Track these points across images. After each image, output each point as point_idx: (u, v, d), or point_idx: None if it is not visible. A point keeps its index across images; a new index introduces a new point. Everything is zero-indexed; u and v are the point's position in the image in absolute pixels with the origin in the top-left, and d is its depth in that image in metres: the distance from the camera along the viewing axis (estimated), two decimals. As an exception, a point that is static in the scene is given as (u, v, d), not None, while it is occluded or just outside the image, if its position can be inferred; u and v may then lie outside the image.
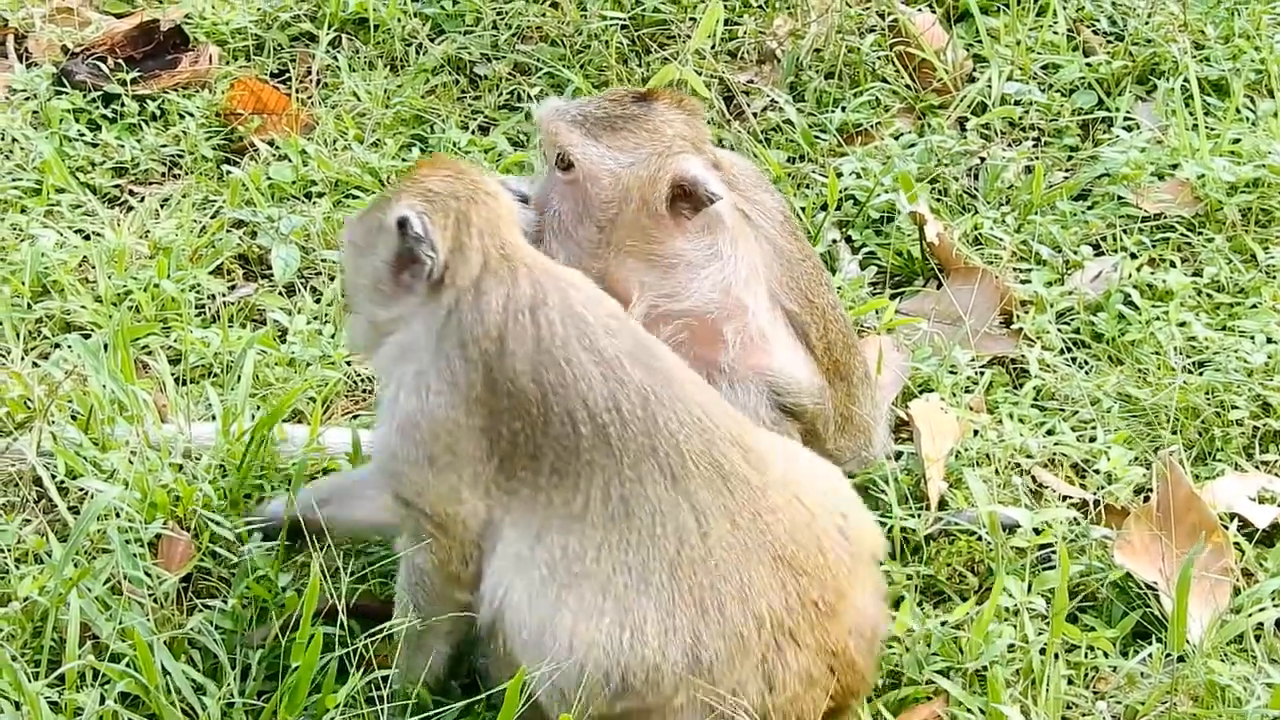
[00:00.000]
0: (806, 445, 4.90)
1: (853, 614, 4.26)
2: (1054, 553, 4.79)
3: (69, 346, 5.49)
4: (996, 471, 5.15)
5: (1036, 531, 4.87)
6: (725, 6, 7.08)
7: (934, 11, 7.15)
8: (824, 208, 6.28)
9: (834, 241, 6.22)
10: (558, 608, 4.05)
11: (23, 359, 5.54)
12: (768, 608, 4.11)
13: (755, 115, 6.74)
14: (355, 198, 6.33)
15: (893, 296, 6.02)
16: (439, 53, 7.04)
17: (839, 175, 6.35)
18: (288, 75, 7.08)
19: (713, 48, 6.98)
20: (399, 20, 7.11)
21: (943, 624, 4.66)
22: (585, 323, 4.18)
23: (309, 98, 6.92)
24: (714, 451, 4.16)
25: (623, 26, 7.05)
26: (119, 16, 7.32)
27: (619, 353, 4.17)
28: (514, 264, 4.24)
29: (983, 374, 5.59)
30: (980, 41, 7.01)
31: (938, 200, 6.36)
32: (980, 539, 4.94)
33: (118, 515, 4.72)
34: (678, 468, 4.10)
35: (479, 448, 4.14)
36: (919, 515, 5.00)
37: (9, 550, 4.73)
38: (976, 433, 5.29)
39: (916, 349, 5.68)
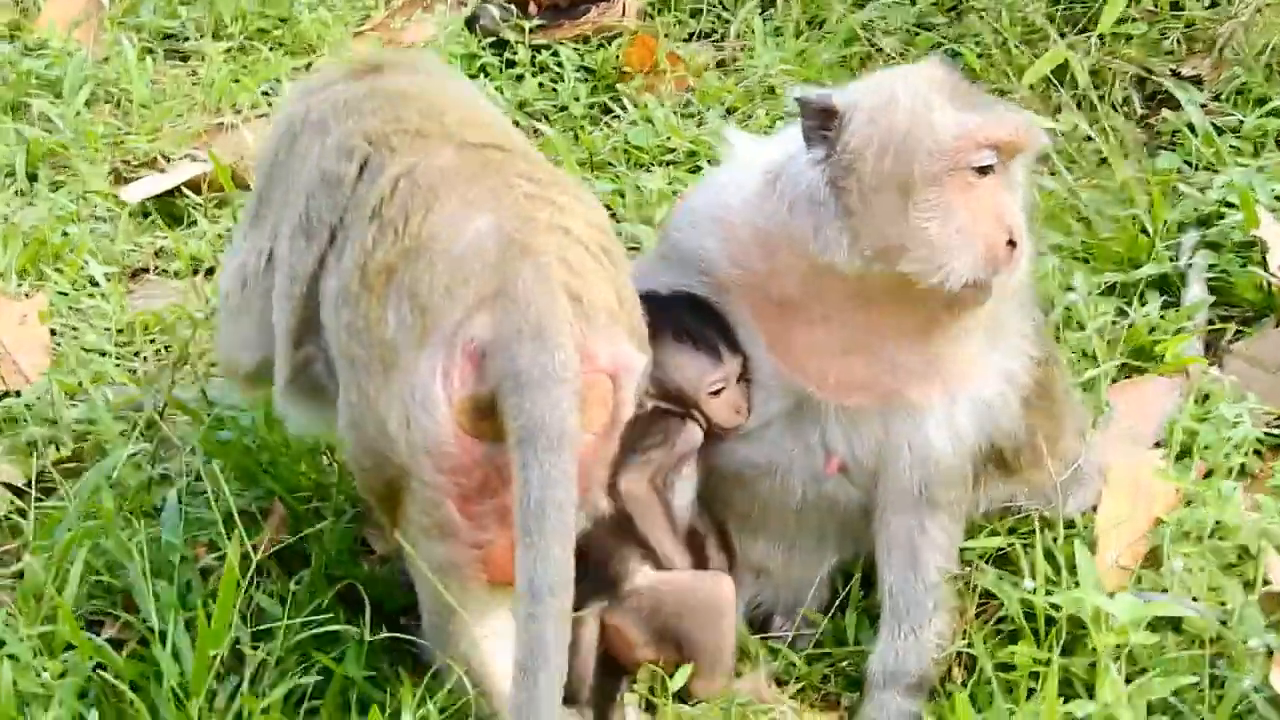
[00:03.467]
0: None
1: None
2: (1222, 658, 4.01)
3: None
4: (1208, 551, 4.30)
5: (1153, 629, 4.04)
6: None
7: None
8: (1199, 223, 5.47)
9: (1189, 263, 5.38)
10: None
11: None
12: None
13: (1150, 111, 5.94)
14: (696, 170, 6.01)
15: (1237, 334, 5.16)
16: (853, 21, 6.60)
17: (1203, 190, 5.51)
18: (709, 34, 6.86)
19: (1140, 34, 6.23)
20: (829, -15, 6.74)
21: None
22: None
23: (712, 61, 6.67)
24: None
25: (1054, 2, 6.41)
26: (580, -35, 7.29)
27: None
28: None
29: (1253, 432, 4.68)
30: None
31: (1332, 225, 5.38)
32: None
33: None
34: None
35: None
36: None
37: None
38: (1203, 502, 4.41)
39: (1216, 398, 4.82)
